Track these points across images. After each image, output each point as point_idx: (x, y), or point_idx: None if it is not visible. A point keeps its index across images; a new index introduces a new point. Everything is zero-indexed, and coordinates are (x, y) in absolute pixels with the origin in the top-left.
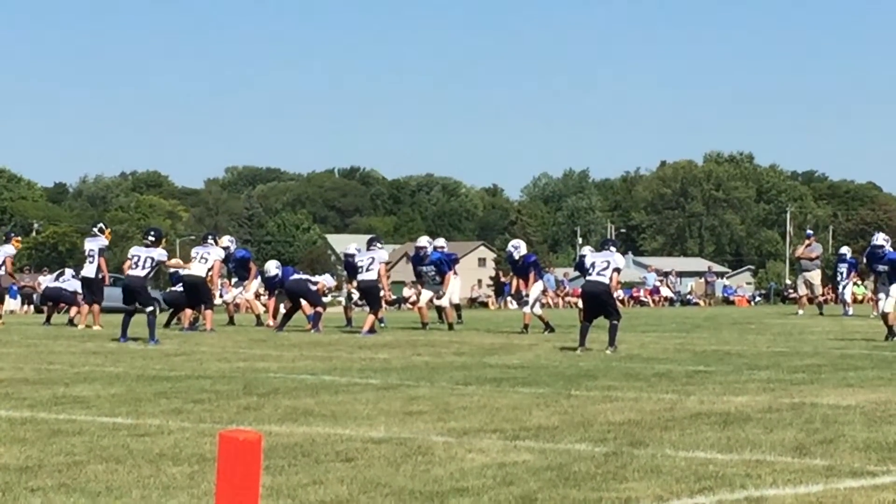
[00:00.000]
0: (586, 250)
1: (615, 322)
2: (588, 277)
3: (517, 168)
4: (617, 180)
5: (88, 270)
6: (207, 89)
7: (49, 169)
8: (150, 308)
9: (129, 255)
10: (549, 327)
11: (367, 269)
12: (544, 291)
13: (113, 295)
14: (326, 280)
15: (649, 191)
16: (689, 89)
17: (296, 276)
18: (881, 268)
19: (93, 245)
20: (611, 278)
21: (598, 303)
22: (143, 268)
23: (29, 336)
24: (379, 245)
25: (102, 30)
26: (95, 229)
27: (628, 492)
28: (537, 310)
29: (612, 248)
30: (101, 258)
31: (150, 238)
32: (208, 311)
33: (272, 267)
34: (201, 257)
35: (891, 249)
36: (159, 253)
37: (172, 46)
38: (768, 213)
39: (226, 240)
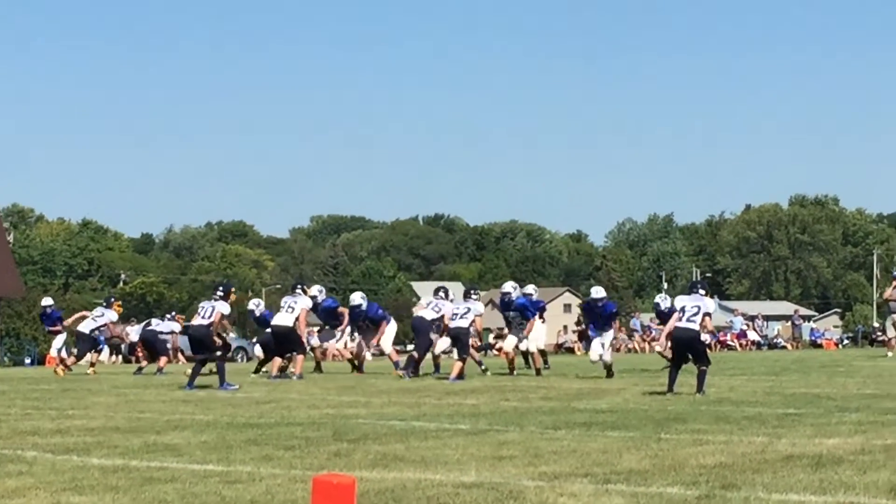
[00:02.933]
0: (659, 298)
1: (704, 368)
2: (678, 324)
3: (601, 213)
4: (701, 224)
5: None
6: (291, 139)
7: (135, 220)
8: (218, 354)
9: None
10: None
11: (462, 317)
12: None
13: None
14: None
15: (734, 234)
16: (772, 133)
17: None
18: None
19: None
20: (701, 323)
21: (687, 349)
22: (205, 318)
23: (119, 385)
24: (476, 296)
25: (187, 82)
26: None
27: None
28: (607, 357)
29: (702, 291)
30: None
31: (219, 293)
32: (299, 357)
33: (357, 297)
34: (288, 306)
35: None
36: (222, 305)
37: (255, 96)
38: (855, 256)
39: (314, 289)
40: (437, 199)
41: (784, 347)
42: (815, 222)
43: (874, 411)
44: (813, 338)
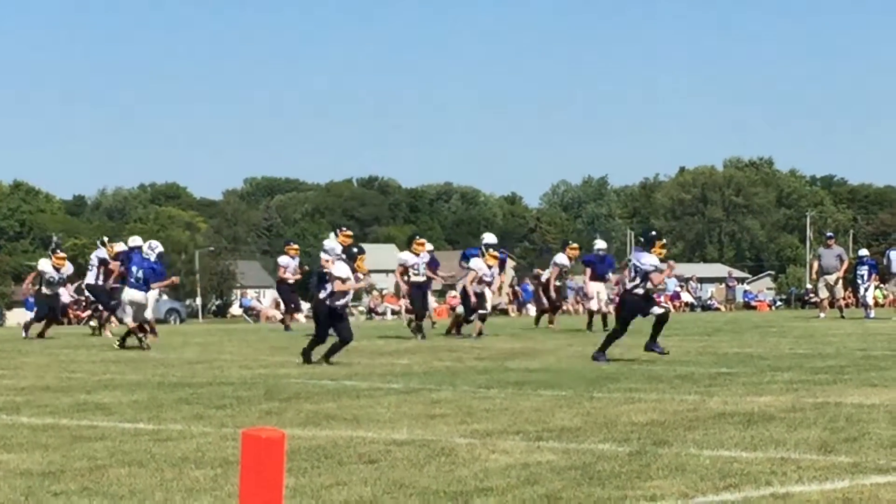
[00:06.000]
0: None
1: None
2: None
3: (536, 176)
4: (636, 187)
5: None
6: (225, 100)
7: (68, 182)
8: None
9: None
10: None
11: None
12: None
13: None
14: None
15: (669, 197)
16: (707, 95)
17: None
18: None
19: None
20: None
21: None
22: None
23: (50, 346)
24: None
25: (119, 42)
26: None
27: (653, 490)
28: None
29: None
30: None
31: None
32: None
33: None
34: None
35: None
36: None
37: (188, 58)
38: (788, 218)
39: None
40: (372, 161)
41: (717, 309)
42: (749, 184)
43: (805, 370)
44: (746, 299)
